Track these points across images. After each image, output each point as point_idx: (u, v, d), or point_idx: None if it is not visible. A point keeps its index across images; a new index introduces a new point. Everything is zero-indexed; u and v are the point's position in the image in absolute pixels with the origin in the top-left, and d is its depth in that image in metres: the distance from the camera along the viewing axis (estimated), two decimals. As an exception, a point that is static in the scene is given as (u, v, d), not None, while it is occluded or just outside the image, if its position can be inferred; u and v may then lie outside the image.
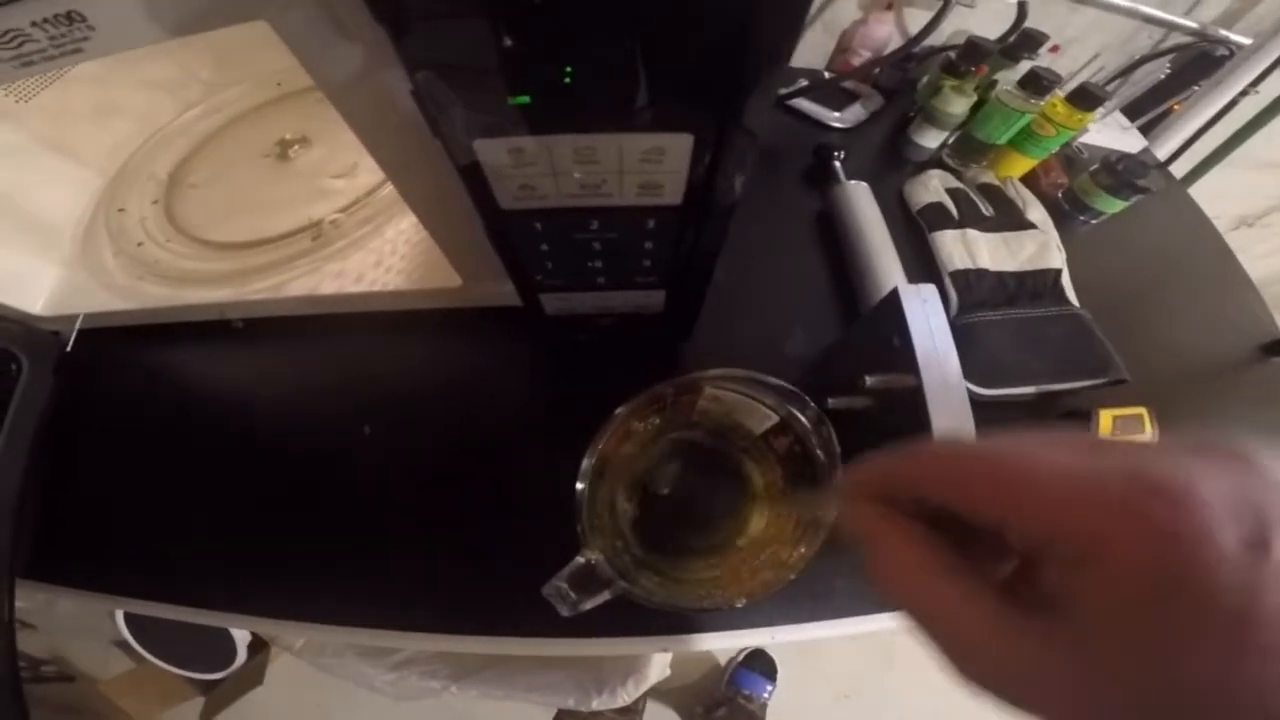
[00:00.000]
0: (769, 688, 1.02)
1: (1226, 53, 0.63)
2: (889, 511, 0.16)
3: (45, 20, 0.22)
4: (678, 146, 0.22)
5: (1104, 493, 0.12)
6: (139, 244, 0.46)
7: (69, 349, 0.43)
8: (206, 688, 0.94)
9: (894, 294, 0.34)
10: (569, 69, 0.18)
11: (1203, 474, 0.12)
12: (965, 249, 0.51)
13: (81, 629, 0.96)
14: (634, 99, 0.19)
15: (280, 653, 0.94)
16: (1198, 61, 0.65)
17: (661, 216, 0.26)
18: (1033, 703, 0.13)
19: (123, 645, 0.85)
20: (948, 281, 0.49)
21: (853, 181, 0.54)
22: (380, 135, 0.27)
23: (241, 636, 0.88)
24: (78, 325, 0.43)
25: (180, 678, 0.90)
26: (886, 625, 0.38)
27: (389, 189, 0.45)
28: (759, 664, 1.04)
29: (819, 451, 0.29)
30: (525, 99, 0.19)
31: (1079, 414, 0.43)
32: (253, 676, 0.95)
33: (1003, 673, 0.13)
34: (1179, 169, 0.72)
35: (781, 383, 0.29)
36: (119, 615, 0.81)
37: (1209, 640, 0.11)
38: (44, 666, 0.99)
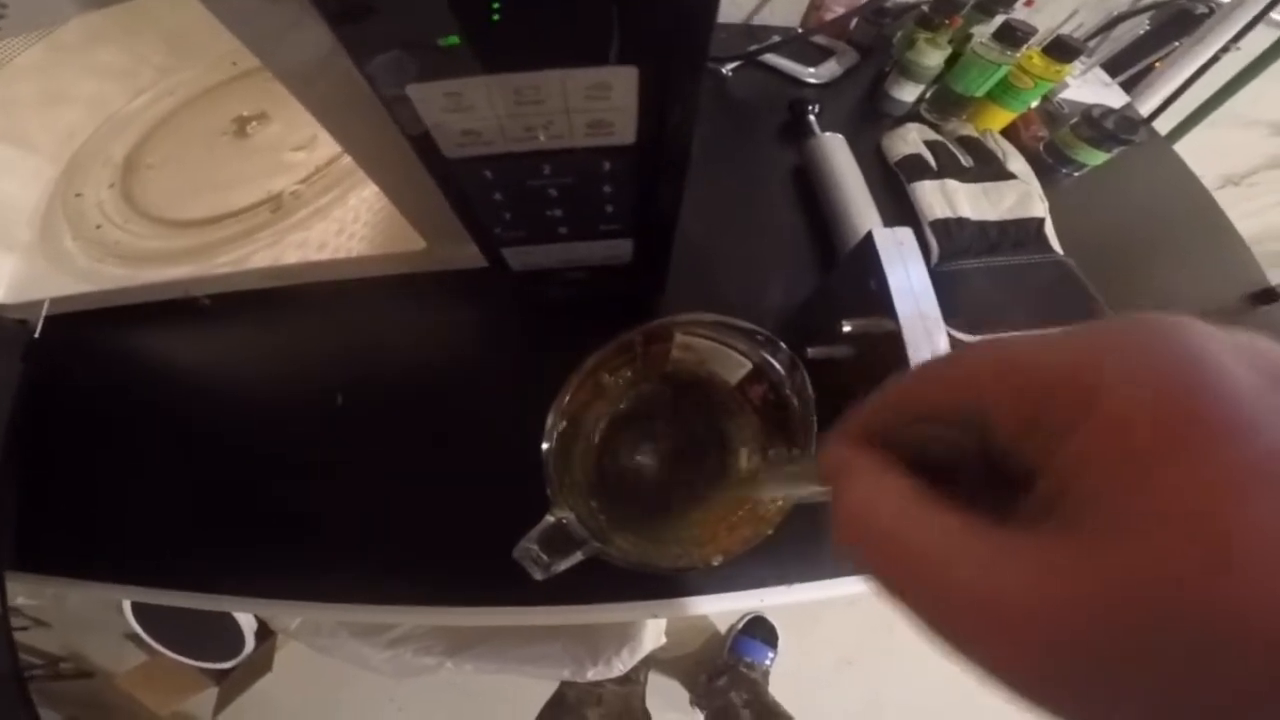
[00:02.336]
0: (770, 655, 1.04)
1: (1206, 10, 0.62)
2: (866, 446, 0.14)
3: (-46, 2, 0.21)
4: (623, 80, 0.21)
5: (1088, 339, 0.10)
6: (97, 226, 0.45)
7: (36, 336, 0.42)
8: (218, 677, 0.97)
9: (869, 238, 0.33)
10: (495, 4, 0.17)
11: (1189, 320, 0.10)
12: (945, 198, 0.50)
13: (93, 624, 0.99)
14: (568, 32, 0.19)
15: (287, 640, 0.95)
16: (1177, 18, 0.64)
17: (616, 158, 0.25)
18: (1028, 648, 0.09)
19: (134, 638, 0.87)
20: (928, 230, 0.48)
21: (828, 133, 0.53)
22: (319, 95, 0.26)
23: (248, 624, 0.90)
24: (44, 311, 0.42)
25: (192, 668, 0.93)
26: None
27: (349, 157, 0.44)
28: (760, 632, 1.06)
29: (793, 397, 0.29)
30: (454, 39, 0.18)
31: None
32: (262, 664, 0.97)
33: (993, 611, 0.09)
34: (1162, 126, 0.71)
35: (752, 326, 0.28)
36: (127, 608, 0.83)
37: (1252, 486, 0.08)
38: (62, 664, 1.01)
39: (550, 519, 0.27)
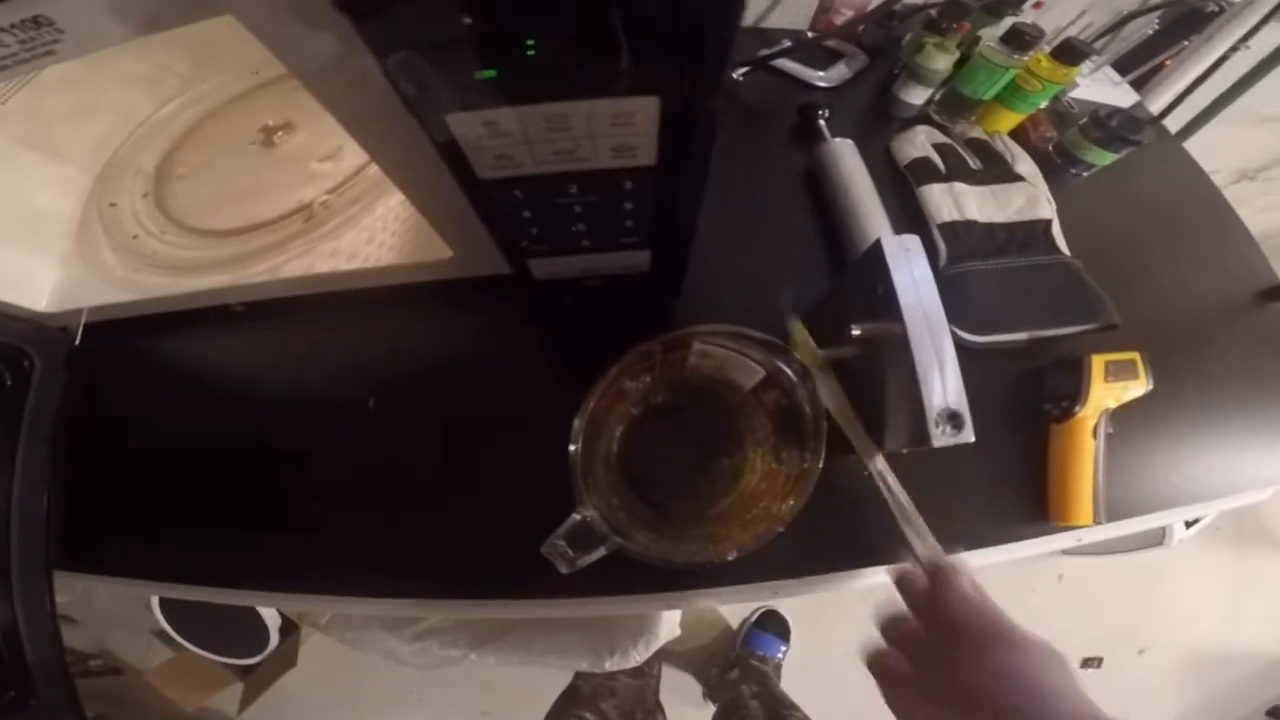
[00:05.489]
0: (782, 649, 1.05)
1: (1216, 9, 0.62)
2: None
3: (13, 25, 0.21)
4: (645, 109, 0.22)
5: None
6: (134, 237, 0.47)
7: (77, 343, 0.44)
8: (243, 673, 0.98)
9: (877, 245, 0.35)
10: (530, 42, 0.19)
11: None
12: (953, 201, 0.51)
13: (121, 621, 1.00)
14: (596, 67, 0.20)
15: (310, 634, 0.98)
16: (1187, 17, 0.64)
17: (637, 177, 0.26)
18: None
19: (161, 635, 0.89)
20: (936, 233, 0.49)
21: (838, 139, 0.53)
22: (357, 116, 0.28)
23: (273, 620, 0.91)
24: (83, 319, 0.44)
25: (218, 665, 0.94)
26: (883, 580, 0.39)
27: (375, 168, 0.45)
28: (772, 625, 1.07)
29: (804, 403, 0.30)
30: (492, 73, 0.20)
31: (1071, 359, 0.43)
32: (286, 659, 0.99)
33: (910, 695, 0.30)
34: (1173, 124, 0.71)
35: (766, 336, 0.29)
36: (155, 605, 0.84)
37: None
38: (91, 661, 1.02)
39: (576, 516, 0.29)
